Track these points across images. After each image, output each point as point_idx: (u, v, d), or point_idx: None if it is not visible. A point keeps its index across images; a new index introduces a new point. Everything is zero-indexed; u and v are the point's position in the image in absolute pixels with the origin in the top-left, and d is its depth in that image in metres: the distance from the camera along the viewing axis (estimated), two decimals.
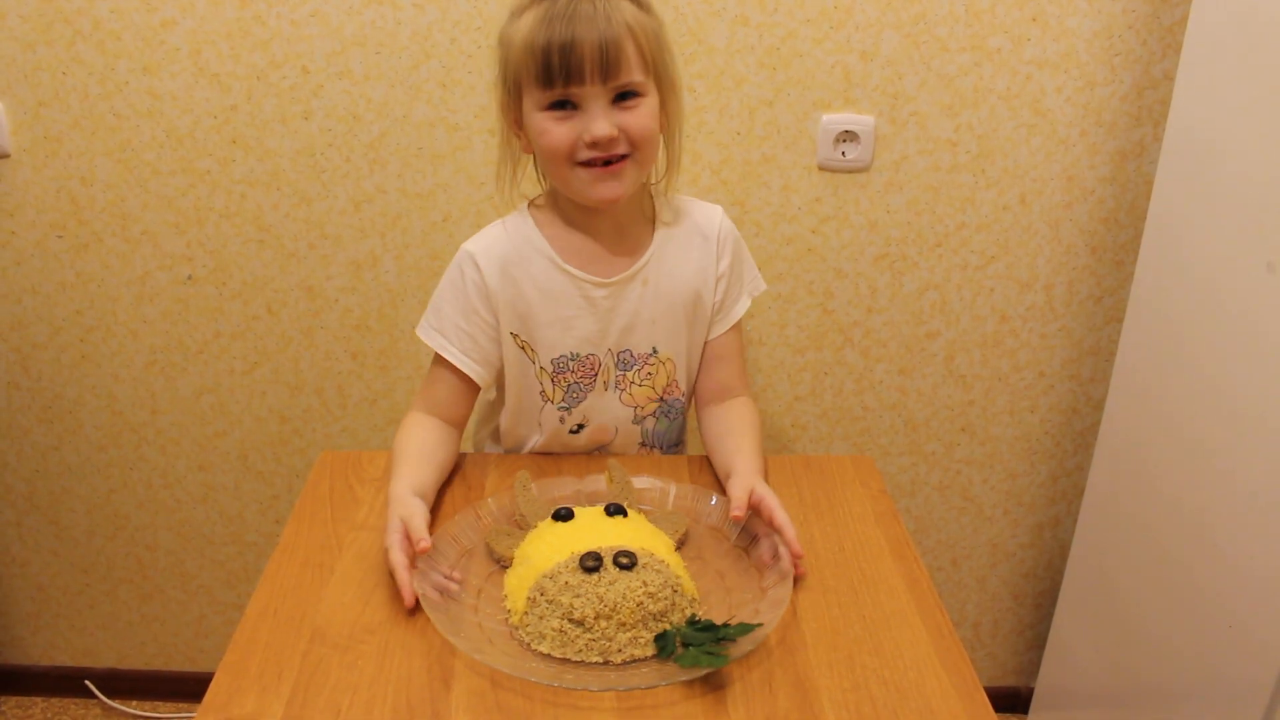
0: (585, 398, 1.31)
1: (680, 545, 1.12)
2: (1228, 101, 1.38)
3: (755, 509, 1.11)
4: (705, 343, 1.34)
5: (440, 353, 1.28)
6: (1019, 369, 1.82)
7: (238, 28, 1.60)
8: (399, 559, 1.03)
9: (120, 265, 1.75)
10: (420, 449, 1.22)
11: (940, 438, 1.88)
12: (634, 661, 0.95)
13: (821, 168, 1.68)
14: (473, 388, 1.31)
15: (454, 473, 1.28)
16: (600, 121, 1.13)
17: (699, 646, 0.93)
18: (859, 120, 1.64)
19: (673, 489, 1.20)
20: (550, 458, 1.34)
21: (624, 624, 0.95)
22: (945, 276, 1.75)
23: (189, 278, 1.76)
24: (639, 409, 1.34)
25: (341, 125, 1.65)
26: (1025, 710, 2.04)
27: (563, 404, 1.31)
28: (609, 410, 1.33)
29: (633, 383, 1.31)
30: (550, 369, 1.29)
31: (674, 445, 1.42)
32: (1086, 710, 1.77)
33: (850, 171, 1.68)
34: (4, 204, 1.71)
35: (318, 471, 1.29)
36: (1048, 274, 1.75)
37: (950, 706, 0.92)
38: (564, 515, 1.08)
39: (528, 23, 1.13)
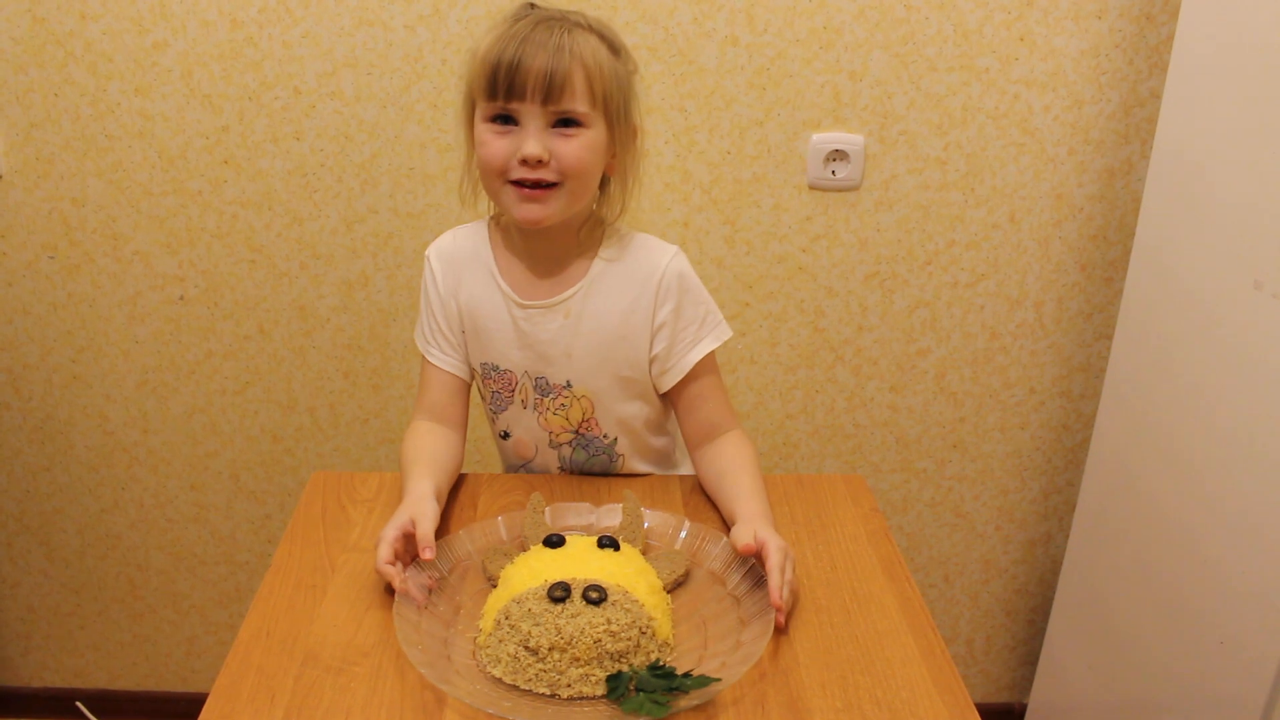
0: (506, 409, 1.32)
1: (677, 586, 1.10)
2: (1214, 119, 1.39)
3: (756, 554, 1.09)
4: (665, 393, 1.31)
5: (424, 354, 1.31)
6: (1009, 386, 1.83)
7: (229, 49, 1.60)
8: (385, 553, 1.03)
9: (112, 285, 1.75)
10: (432, 454, 1.23)
11: (931, 455, 1.89)
12: (580, 699, 0.93)
13: (812, 187, 1.68)
14: (462, 385, 1.32)
15: (457, 486, 1.28)
16: (532, 141, 1.13)
17: (649, 693, 0.91)
18: (849, 139, 1.65)
19: (685, 528, 1.17)
20: (560, 480, 1.33)
21: (577, 659, 0.93)
22: (935, 294, 1.76)
23: (181, 298, 1.76)
24: (554, 435, 1.32)
25: (333, 145, 1.66)
26: None
27: (491, 406, 1.33)
28: (527, 427, 1.33)
29: (548, 409, 1.30)
30: (480, 371, 1.31)
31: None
32: None
33: (840, 190, 1.68)
34: None
35: (310, 492, 1.28)
36: (1037, 291, 1.76)
37: None
38: (554, 542, 1.07)
39: (488, 38, 1.15)
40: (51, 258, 1.74)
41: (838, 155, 1.66)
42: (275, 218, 1.71)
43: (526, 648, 0.94)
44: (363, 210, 1.70)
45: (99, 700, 2.11)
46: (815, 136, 1.65)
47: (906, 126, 1.65)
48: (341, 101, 1.63)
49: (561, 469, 1.35)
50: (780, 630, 1.04)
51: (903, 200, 1.69)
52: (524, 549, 1.12)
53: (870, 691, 0.96)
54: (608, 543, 1.07)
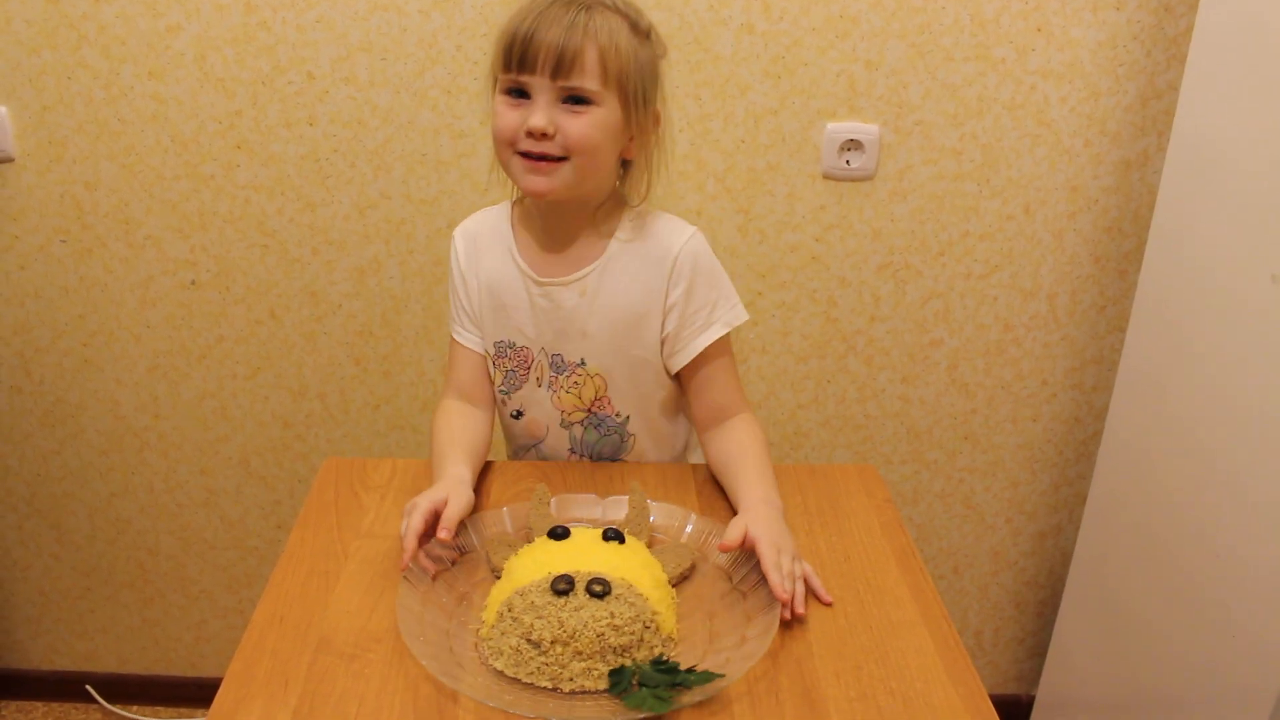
0: (521, 387, 1.32)
1: (682, 580, 1.09)
2: (1232, 112, 1.38)
3: (748, 550, 1.08)
4: (676, 374, 1.31)
5: (452, 333, 1.33)
6: (1022, 378, 1.82)
7: (243, 33, 1.60)
8: (417, 524, 1.04)
9: (124, 270, 1.75)
10: (466, 438, 1.25)
11: (943, 446, 1.88)
12: (582, 693, 0.92)
13: (826, 176, 1.68)
14: (488, 363, 1.33)
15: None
16: (539, 114, 1.14)
17: (651, 688, 0.90)
18: (864, 129, 1.64)
19: (691, 521, 1.16)
20: (571, 468, 1.32)
21: (580, 653, 0.92)
22: (949, 285, 1.75)
23: (192, 282, 1.76)
24: (566, 414, 1.32)
25: (346, 131, 1.65)
26: (1027, 718, 2.03)
27: (502, 388, 1.33)
28: (540, 406, 1.33)
29: (562, 387, 1.31)
30: (493, 351, 1.31)
31: (612, 460, 1.38)
32: (1088, 718, 1.77)
33: (854, 180, 1.68)
34: (8, 208, 1.71)
35: (322, 478, 1.28)
36: (1051, 283, 1.75)
37: (957, 716, 0.92)
38: (559, 534, 1.06)
39: (511, 13, 1.16)
40: (63, 242, 1.74)
41: (852, 145, 1.65)
42: (288, 203, 1.70)
43: (529, 640, 0.93)
44: (375, 196, 1.69)
45: (108, 683, 2.11)
46: (830, 126, 1.65)
47: (922, 116, 1.64)
48: (355, 87, 1.63)
49: (572, 450, 1.35)
50: (798, 620, 1.03)
51: (917, 191, 1.69)
52: (529, 540, 1.11)
53: (885, 682, 0.96)
54: (613, 535, 1.06)
